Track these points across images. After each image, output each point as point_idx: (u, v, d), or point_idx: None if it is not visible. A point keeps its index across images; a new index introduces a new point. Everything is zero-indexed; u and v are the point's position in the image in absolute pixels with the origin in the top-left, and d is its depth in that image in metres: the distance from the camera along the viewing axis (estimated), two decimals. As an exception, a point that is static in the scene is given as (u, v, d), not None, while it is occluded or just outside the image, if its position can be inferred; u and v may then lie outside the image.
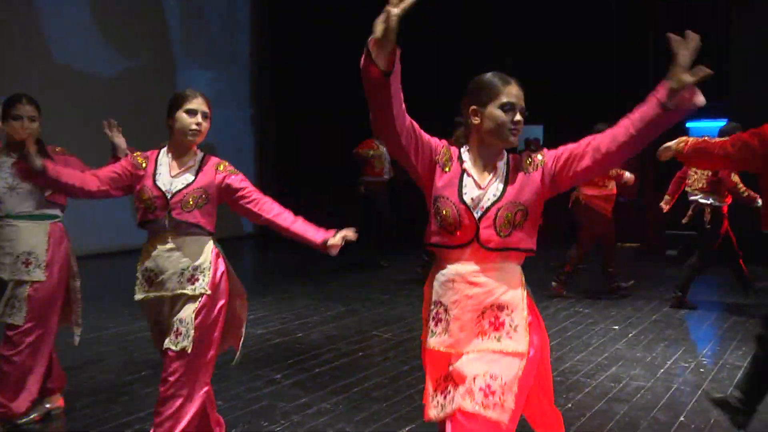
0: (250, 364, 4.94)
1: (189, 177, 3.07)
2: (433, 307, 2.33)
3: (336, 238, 3.00)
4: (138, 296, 3.13)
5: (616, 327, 6.12)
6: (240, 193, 3.13)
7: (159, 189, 3.02)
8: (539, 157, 2.30)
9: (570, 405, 4.23)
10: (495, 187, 2.26)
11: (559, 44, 11.25)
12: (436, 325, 2.30)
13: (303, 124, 11.99)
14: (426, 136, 2.26)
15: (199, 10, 11.37)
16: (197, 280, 3.05)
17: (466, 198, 2.24)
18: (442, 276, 2.30)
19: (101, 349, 5.33)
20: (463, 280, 2.25)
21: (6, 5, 8.80)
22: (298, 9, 12.20)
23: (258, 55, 12.40)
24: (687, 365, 4.99)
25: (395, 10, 1.91)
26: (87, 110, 9.45)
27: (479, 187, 2.26)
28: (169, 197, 3.01)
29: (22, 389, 3.70)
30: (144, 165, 3.08)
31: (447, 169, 2.28)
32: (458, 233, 2.24)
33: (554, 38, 11.34)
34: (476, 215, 2.23)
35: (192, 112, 3.01)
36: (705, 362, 5.09)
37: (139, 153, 3.11)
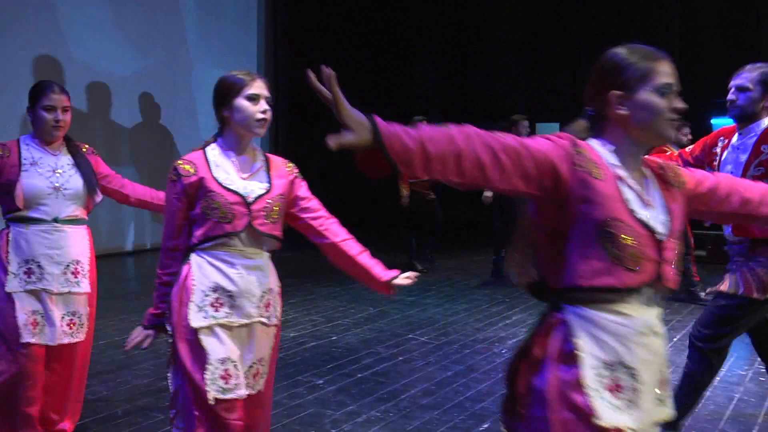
0: (289, 369, 4.76)
1: (263, 180, 2.53)
2: (604, 371, 1.65)
3: (401, 279, 2.57)
4: (198, 323, 2.40)
5: (658, 331, 5.94)
6: (306, 204, 2.63)
7: (235, 193, 2.44)
8: (679, 171, 1.83)
9: (629, 414, 4.05)
10: (661, 205, 1.73)
11: (574, 37, 11.07)
12: (614, 395, 1.65)
13: (317, 122, 11.81)
14: (533, 146, 1.62)
15: (214, 8, 11.20)
16: (270, 306, 2.55)
17: (642, 218, 1.67)
18: (622, 328, 1.66)
19: (132, 352, 5.11)
20: (651, 332, 1.70)
21: (26, 3, 8.63)
22: (311, 7, 12.05)
23: (272, 53, 12.23)
24: (744, 373, 4.81)
25: (346, 139, 1.50)
26: (103, 107, 9.33)
27: (645, 203, 1.70)
28: (249, 203, 2.46)
29: (72, 404, 3.46)
30: (193, 170, 2.45)
31: (598, 176, 1.65)
32: (641, 269, 1.66)
33: (570, 32, 11.16)
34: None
35: (254, 98, 2.43)
36: (762, 370, 4.90)
37: (179, 161, 2.49)
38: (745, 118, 3.23)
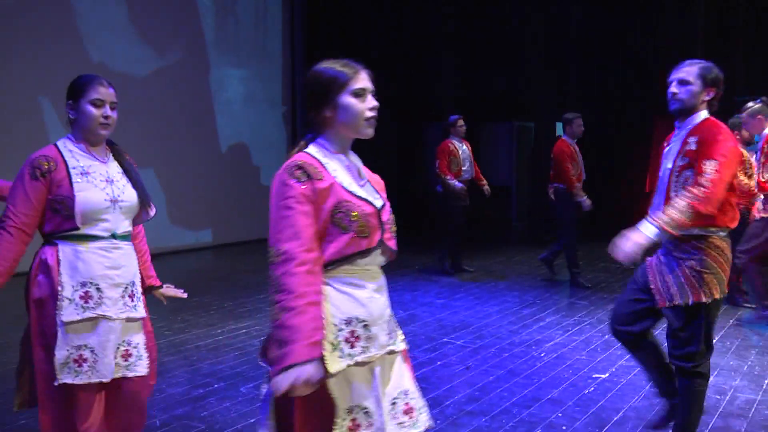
0: (327, 375, 4.63)
1: (370, 187, 2.17)
2: None
3: None
4: (336, 366, 1.95)
5: (699, 333, 5.78)
6: None
7: (368, 202, 2.07)
8: None
9: (683, 420, 3.90)
10: None
11: (596, 28, 10.91)
12: None
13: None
14: None
15: (232, 8, 11.11)
16: (395, 329, 2.20)
17: None
18: None
19: (163, 359, 5.02)
20: None
21: (43, 4, 8.55)
22: (329, 6, 11.94)
23: (290, 53, 12.13)
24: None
25: None
26: (119, 108, 9.21)
27: None
28: (380, 212, 2.11)
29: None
30: (321, 174, 2.03)
31: None
32: None
33: (590, 23, 11.01)
34: None
35: (361, 94, 2.09)
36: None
37: (297, 162, 2.03)
38: (685, 112, 3.23)
